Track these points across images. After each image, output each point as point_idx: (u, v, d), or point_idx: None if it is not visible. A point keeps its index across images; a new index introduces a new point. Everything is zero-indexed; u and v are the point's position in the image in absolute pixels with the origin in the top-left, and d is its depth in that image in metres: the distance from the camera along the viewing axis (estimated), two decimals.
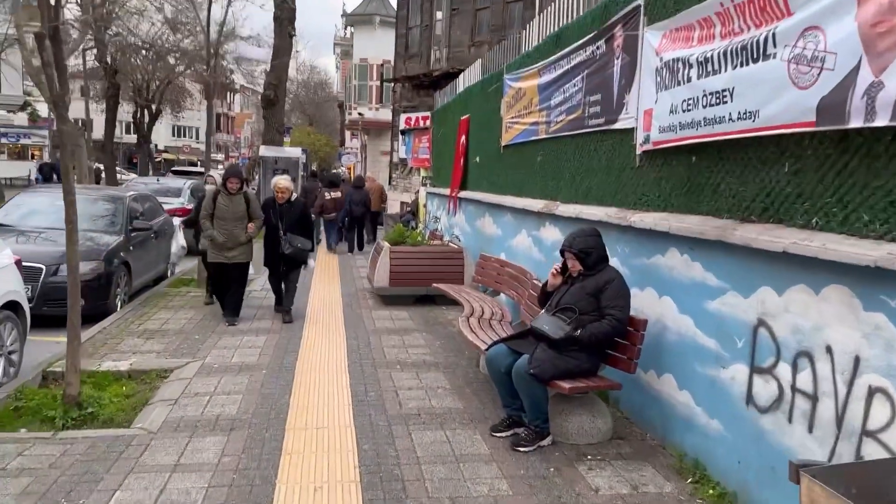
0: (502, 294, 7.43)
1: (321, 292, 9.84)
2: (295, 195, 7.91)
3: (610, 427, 4.53)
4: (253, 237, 7.68)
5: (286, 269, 7.95)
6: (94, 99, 39.68)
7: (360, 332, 7.46)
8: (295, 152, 17.81)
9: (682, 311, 4.31)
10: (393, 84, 24.42)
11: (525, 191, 7.71)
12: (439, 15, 21.68)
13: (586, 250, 4.43)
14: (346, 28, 35.77)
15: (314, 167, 57.39)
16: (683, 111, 4.20)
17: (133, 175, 35.46)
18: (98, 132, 40.18)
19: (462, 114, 11.24)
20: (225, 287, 7.80)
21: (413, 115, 20.47)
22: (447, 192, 12.08)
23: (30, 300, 7.42)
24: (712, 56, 3.89)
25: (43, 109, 46.41)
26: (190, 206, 13.93)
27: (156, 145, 58.66)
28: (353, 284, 10.70)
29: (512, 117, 8.34)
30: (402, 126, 22.87)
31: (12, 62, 28.59)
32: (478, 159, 10.13)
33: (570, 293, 4.45)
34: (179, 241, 10.51)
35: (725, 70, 3.76)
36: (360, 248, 15.29)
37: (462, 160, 11.05)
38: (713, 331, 3.99)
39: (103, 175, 31.72)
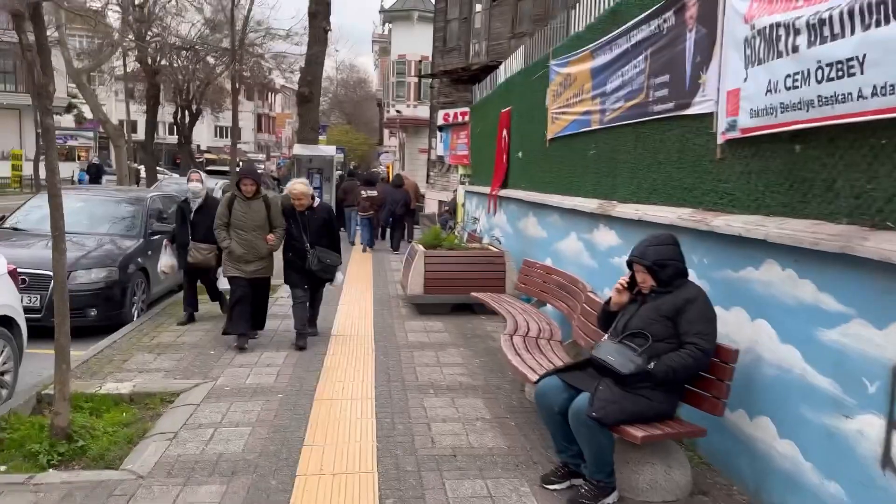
0: (549, 305, 6.58)
1: (351, 298, 9.12)
2: (318, 200, 6.75)
3: (689, 480, 3.66)
4: (276, 249, 6.69)
5: (310, 288, 6.80)
6: (137, 101, 39.97)
7: (390, 347, 6.70)
8: (329, 151, 17.17)
9: (785, 339, 3.41)
10: (431, 80, 23.67)
11: (574, 189, 6.85)
12: (478, 7, 20.84)
13: (661, 262, 3.58)
14: (384, 24, 35.22)
15: (352, 166, 57.19)
16: (787, 89, 3.31)
17: (173, 174, 35.39)
18: (141, 133, 40.47)
19: (503, 106, 10.40)
20: (241, 303, 6.56)
21: (451, 111, 19.68)
22: (487, 190, 11.26)
23: (38, 310, 6.90)
24: (831, 16, 2.99)
25: (88, 111, 46.78)
26: None
27: (198, 146, 59.16)
28: (385, 289, 9.97)
29: (559, 107, 7.48)
30: (439, 122, 22.12)
31: (56, 65, 28.86)
32: (520, 155, 9.29)
33: (640, 315, 3.60)
34: (166, 259, 7.59)
35: (853, 33, 2.87)
36: (396, 248, 14.89)
37: (503, 156, 10.22)
38: (830, 368, 3.10)
39: (143, 175, 31.65)
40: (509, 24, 19.20)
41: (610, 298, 3.85)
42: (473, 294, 7.27)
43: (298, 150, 16.73)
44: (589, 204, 6.15)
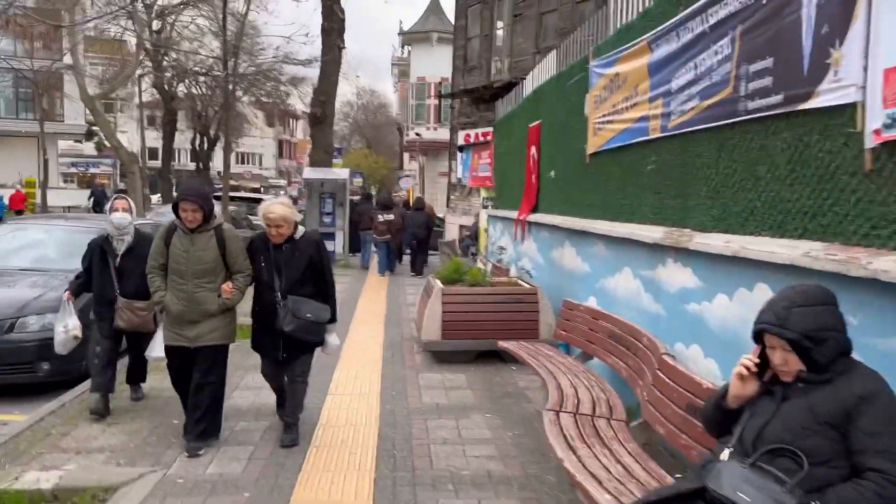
0: (596, 358, 5.20)
1: (358, 339, 7.80)
2: (303, 230, 4.67)
3: None
4: (234, 304, 4.54)
5: (288, 356, 4.68)
6: (156, 128, 39.54)
7: (398, 411, 5.35)
8: (342, 174, 16.01)
9: None
10: (451, 100, 22.54)
11: (626, 213, 5.50)
12: (500, 23, 19.72)
13: (816, 334, 2.20)
14: (402, 47, 34.39)
15: (376, 190, 56.32)
16: None
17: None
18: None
19: (531, 121, 9.11)
20: (187, 386, 4.58)
21: (472, 132, 18.50)
22: (513, 215, 9.94)
23: None
24: None
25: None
26: None
27: (219, 172, 58.81)
28: (399, 328, 8.64)
29: (603, 116, 6.16)
30: (460, 143, 20.96)
31: (72, 92, 28.18)
32: (552, 174, 7.97)
33: (782, 419, 2.22)
34: (67, 322, 5.25)
35: None
36: (420, 272, 14.42)
37: (532, 176, 8.91)
38: None
39: (156, 203, 30.82)
40: (533, 38, 18.02)
41: (725, 388, 2.47)
42: (502, 345, 5.88)
43: (309, 173, 15.60)
44: (650, 232, 4.79)
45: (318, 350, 4.88)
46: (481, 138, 15.27)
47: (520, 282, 7.47)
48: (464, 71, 21.28)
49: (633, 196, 5.38)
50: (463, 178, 15.13)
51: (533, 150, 8.94)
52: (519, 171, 9.90)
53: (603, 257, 6.03)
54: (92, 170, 52.99)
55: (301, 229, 4.68)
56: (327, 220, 15.48)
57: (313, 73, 33.13)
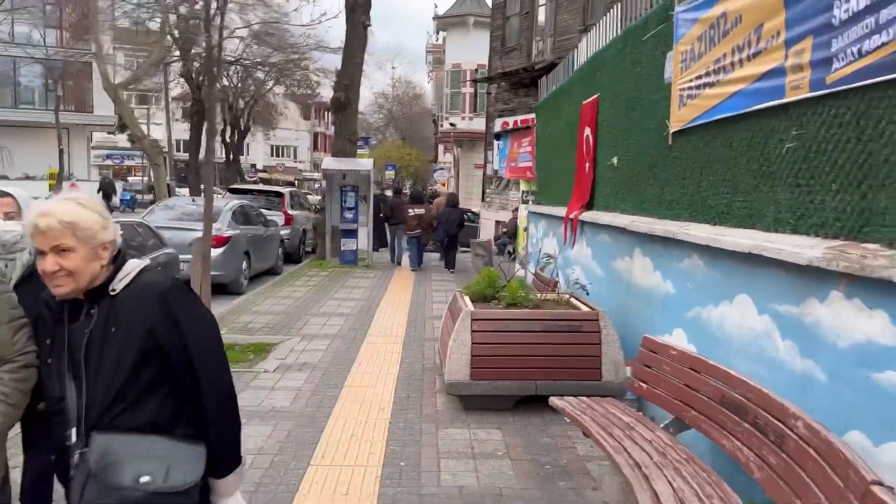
0: (694, 429, 3.46)
1: (366, 370, 6.16)
2: (133, 267, 1.93)
3: None
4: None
5: None
6: (185, 119, 38.57)
7: (404, 500, 3.68)
8: (366, 165, 14.35)
9: None
10: (487, 85, 20.76)
11: (740, 214, 3.73)
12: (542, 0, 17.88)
13: None
14: (437, 33, 32.64)
15: (410, 185, 54.67)
16: None
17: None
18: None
19: (585, 96, 7.35)
20: None
21: (510, 119, 16.75)
22: (561, 212, 8.19)
23: None
24: None
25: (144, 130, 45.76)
26: (227, 234, 10.77)
27: (253, 165, 57.95)
28: (420, 351, 6.98)
29: (696, 78, 4.40)
30: (497, 130, 19.24)
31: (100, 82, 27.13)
32: (615, 161, 6.20)
33: None
34: None
35: None
36: (453, 266, 14.20)
37: (586, 165, 7.15)
38: None
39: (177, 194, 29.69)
40: (580, 15, 16.13)
41: None
42: (555, 403, 4.12)
43: (329, 163, 14.02)
44: (797, 247, 3.02)
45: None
46: (520, 125, 13.53)
47: (573, 300, 5.72)
48: (502, 53, 19.49)
49: (754, 189, 3.61)
50: (499, 169, 13.38)
51: (587, 132, 7.18)
52: (568, 158, 8.15)
53: (700, 276, 4.25)
54: (127, 162, 52.63)
55: (131, 266, 1.96)
56: (349, 215, 13.91)
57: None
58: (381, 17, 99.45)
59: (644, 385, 3.96)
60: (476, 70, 28.92)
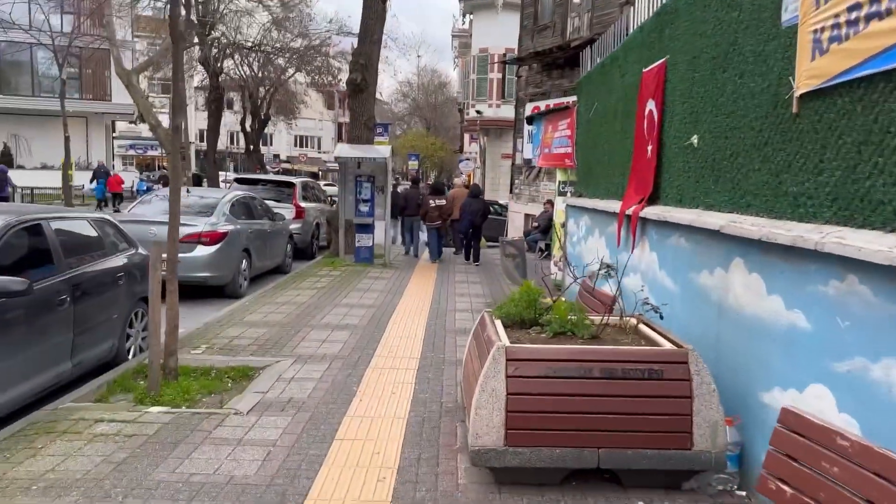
0: None
1: (367, 411, 4.74)
2: None
3: None
4: None
5: None
6: (202, 108, 37.49)
7: None
8: (383, 152, 12.83)
9: None
10: (517, 67, 19.17)
11: None
12: None
13: None
14: (464, 16, 31.04)
15: (434, 175, 53.16)
16: None
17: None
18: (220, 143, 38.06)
19: (647, 62, 5.83)
20: None
21: (542, 104, 15.17)
22: (611, 206, 6.68)
23: None
24: None
25: (166, 119, 44.75)
26: (224, 229, 9.43)
27: (276, 155, 56.93)
28: (438, 380, 5.53)
29: (850, 9, 2.89)
30: (528, 114, 17.70)
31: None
32: (695, 141, 4.67)
33: None
34: None
35: None
36: (477, 259, 13.69)
37: (648, 147, 5.63)
38: None
39: (204, 184, 28.64)
40: None
41: None
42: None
43: (342, 150, 12.59)
44: None
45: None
46: (555, 108, 11.96)
47: (643, 327, 4.21)
48: (533, 32, 17.89)
49: None
50: (531, 157, 11.83)
51: (650, 106, 5.64)
52: (620, 141, 6.62)
53: (864, 311, 2.73)
54: (150, 152, 51.90)
55: None
56: (364, 208, 12.48)
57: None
58: (406, 8, 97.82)
59: (787, 489, 2.46)
60: (504, 55, 27.29)
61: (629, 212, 5.89)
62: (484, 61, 28.30)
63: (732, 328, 3.94)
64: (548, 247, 15.30)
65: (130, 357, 6.13)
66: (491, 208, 21.94)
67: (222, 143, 49.68)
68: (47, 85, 33.15)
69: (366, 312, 8.25)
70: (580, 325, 4.02)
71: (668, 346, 3.71)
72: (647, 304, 4.30)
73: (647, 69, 5.80)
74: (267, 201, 13.10)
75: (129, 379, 5.43)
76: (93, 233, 5.82)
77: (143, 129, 48.50)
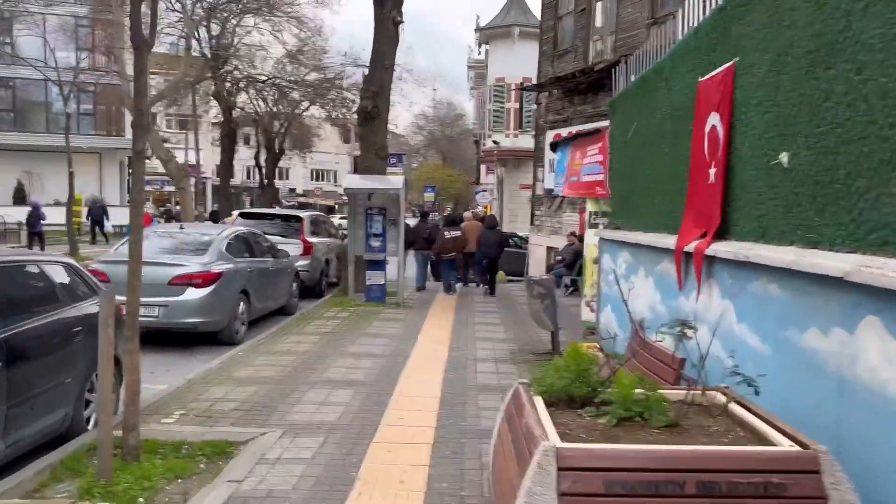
0: None
1: (368, 502, 3.69)
2: None
3: None
4: None
5: None
6: (217, 143, 37.03)
7: None
8: (395, 183, 11.88)
9: None
10: (537, 94, 18.32)
11: None
12: None
13: None
14: (479, 46, 30.38)
15: (449, 207, 52.30)
16: None
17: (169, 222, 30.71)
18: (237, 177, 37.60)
19: (705, 69, 4.82)
20: None
21: (564, 130, 14.23)
22: (658, 240, 5.62)
23: None
24: None
25: (182, 155, 44.35)
26: (218, 269, 8.49)
27: (293, 189, 56.54)
28: (459, 459, 4.46)
29: None
30: (549, 141, 16.79)
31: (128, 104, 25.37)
32: (785, 160, 3.61)
33: None
34: None
35: None
36: (493, 292, 13.59)
37: (712, 170, 4.58)
38: None
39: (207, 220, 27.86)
40: (648, 7, 13.59)
41: None
42: None
43: (352, 181, 11.68)
44: None
45: None
46: (583, 132, 10.97)
47: (737, 408, 3.10)
48: (553, 57, 17.04)
49: None
50: (555, 186, 10.83)
51: (713, 121, 4.61)
52: (671, 164, 5.58)
53: None
54: (167, 188, 51.63)
55: None
56: (375, 243, 11.51)
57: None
58: (419, 44, 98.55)
59: None
60: (522, 83, 26.54)
61: (689, 248, 4.82)
62: (500, 91, 27.56)
63: (864, 413, 2.84)
64: (573, 282, 14.20)
65: (90, 427, 5.10)
66: (510, 240, 21.06)
67: (239, 177, 49.34)
68: (61, 121, 32.96)
69: (373, 364, 7.20)
70: (654, 406, 2.94)
71: (785, 444, 2.61)
72: (737, 373, 3.21)
73: (707, 77, 4.80)
74: (273, 237, 12.21)
75: (82, 459, 4.42)
76: (43, 281, 4.85)
77: (159, 165, 48.33)
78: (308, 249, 12.75)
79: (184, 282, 8.06)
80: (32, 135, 32.00)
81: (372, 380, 6.54)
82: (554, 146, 11.24)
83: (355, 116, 41.18)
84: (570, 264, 13.74)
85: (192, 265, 8.29)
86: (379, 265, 11.55)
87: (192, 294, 8.10)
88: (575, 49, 16.11)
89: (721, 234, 4.46)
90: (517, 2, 27.91)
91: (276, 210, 14.95)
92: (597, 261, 8.62)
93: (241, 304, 8.91)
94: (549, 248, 17.19)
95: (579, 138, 9.69)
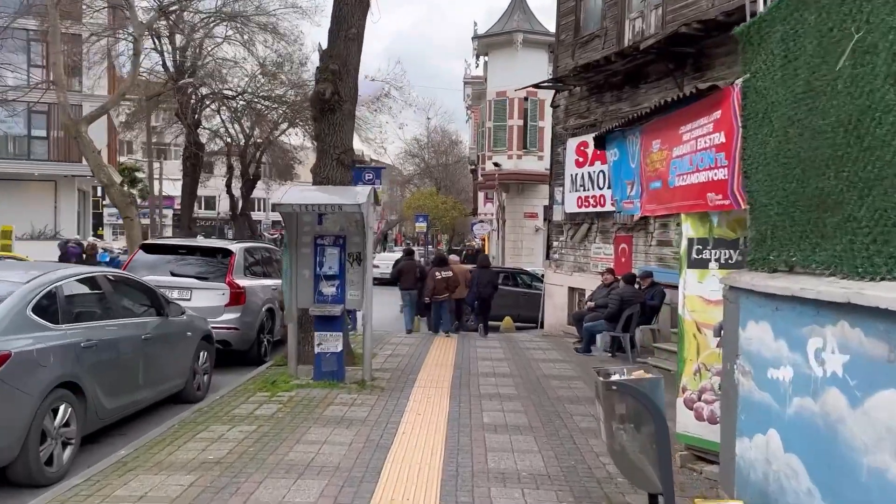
0: None
1: None
2: None
3: None
4: None
5: None
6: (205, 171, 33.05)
7: None
8: (357, 196, 7.38)
9: None
10: (554, 95, 14.34)
11: None
12: None
13: None
14: (477, 58, 26.65)
15: (444, 239, 48.24)
16: None
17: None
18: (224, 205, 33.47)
19: None
20: None
21: (589, 137, 10.13)
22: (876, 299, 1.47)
23: None
24: None
25: (157, 185, 39.93)
26: (6, 351, 4.17)
27: (277, 222, 52.40)
28: None
29: None
30: (570, 157, 12.81)
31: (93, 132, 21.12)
32: None
33: None
34: None
35: None
36: (486, 333, 12.39)
37: None
38: None
39: None
40: None
41: None
42: None
43: (289, 195, 7.39)
44: None
45: None
46: (676, 99, 6.86)
47: None
48: (575, 45, 13.10)
49: None
50: (618, 200, 6.67)
51: None
52: None
53: None
54: (143, 220, 47.58)
55: None
56: (329, 290, 7.34)
57: (371, 87, 25.58)
58: (413, 76, 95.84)
59: None
60: (526, 98, 22.71)
61: None
62: (501, 106, 23.72)
63: None
64: (614, 340, 10.03)
65: None
66: (518, 278, 16.93)
67: (223, 205, 45.11)
68: (9, 146, 28.95)
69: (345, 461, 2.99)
70: None
71: None
72: None
73: None
74: (186, 279, 8.08)
75: None
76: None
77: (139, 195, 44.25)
78: (237, 297, 8.58)
79: None
80: None
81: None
82: (600, 141, 7.15)
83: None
84: (613, 315, 9.58)
85: None
86: (334, 323, 7.30)
87: None
88: (604, 32, 12.20)
89: None
90: (520, 6, 24.25)
91: (196, 242, 10.72)
92: (720, 332, 4.46)
93: (59, 411, 4.70)
94: (573, 290, 13.04)
95: (659, 115, 5.60)
